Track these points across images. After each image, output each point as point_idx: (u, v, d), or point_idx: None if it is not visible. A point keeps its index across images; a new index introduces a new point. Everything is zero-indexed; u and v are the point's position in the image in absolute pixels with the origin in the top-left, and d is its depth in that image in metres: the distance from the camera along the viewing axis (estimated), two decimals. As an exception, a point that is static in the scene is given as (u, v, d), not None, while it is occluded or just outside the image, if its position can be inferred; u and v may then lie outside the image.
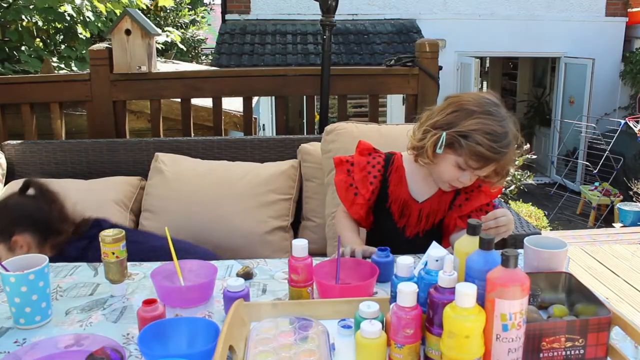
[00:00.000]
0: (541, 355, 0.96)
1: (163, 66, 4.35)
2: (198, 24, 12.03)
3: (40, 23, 5.02)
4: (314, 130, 3.30)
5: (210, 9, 12.85)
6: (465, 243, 1.02)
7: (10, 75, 3.80)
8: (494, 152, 1.35)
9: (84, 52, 5.33)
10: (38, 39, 5.42)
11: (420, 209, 1.53)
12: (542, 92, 10.12)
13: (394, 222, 1.56)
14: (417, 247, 1.48)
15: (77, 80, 2.68)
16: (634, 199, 6.90)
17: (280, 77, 2.76)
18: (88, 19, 5.05)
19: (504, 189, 5.17)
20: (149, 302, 1.09)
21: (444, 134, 1.38)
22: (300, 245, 1.20)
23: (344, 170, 1.59)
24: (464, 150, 1.37)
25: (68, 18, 4.97)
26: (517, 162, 5.25)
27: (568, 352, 0.96)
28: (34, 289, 1.15)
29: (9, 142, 2.42)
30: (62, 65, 5.11)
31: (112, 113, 2.65)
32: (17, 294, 1.14)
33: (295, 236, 2.19)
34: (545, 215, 6.63)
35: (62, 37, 5.54)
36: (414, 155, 1.49)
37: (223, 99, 2.80)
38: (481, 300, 0.91)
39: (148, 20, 2.71)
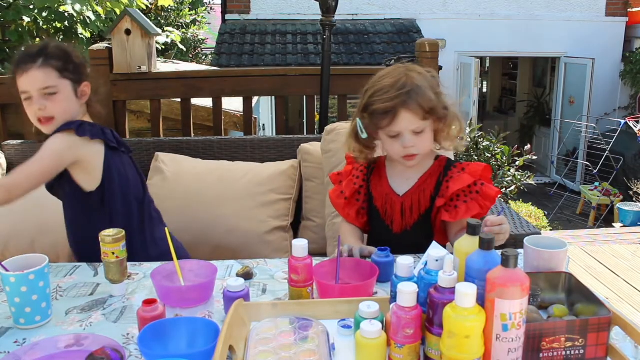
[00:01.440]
0: (541, 355, 0.96)
1: (163, 66, 4.35)
2: (199, 24, 12.02)
3: (40, 23, 5.02)
4: (314, 130, 3.31)
5: (211, 9, 12.84)
6: (465, 243, 1.02)
7: (10, 76, 3.79)
8: (391, 101, 1.38)
9: (84, 52, 5.33)
10: (38, 39, 5.41)
11: (402, 202, 1.54)
12: (542, 92, 10.12)
13: (382, 220, 1.58)
14: (408, 242, 1.50)
15: (77, 80, 2.67)
16: (634, 199, 6.90)
17: (281, 77, 2.76)
18: (88, 20, 5.05)
19: (503, 190, 5.15)
20: (149, 302, 1.09)
21: (358, 120, 1.49)
22: (300, 245, 1.20)
23: (337, 182, 1.66)
24: (375, 120, 1.43)
25: (68, 17, 4.96)
26: (518, 162, 5.27)
27: (568, 352, 0.96)
28: (34, 289, 1.15)
29: (9, 142, 2.42)
30: (62, 66, 5.10)
31: (112, 113, 2.65)
32: (17, 294, 1.14)
33: (295, 236, 2.19)
34: (545, 215, 6.62)
35: (62, 37, 5.53)
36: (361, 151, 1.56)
37: (223, 99, 2.80)
38: (481, 300, 0.91)
39: (148, 20, 2.71)
